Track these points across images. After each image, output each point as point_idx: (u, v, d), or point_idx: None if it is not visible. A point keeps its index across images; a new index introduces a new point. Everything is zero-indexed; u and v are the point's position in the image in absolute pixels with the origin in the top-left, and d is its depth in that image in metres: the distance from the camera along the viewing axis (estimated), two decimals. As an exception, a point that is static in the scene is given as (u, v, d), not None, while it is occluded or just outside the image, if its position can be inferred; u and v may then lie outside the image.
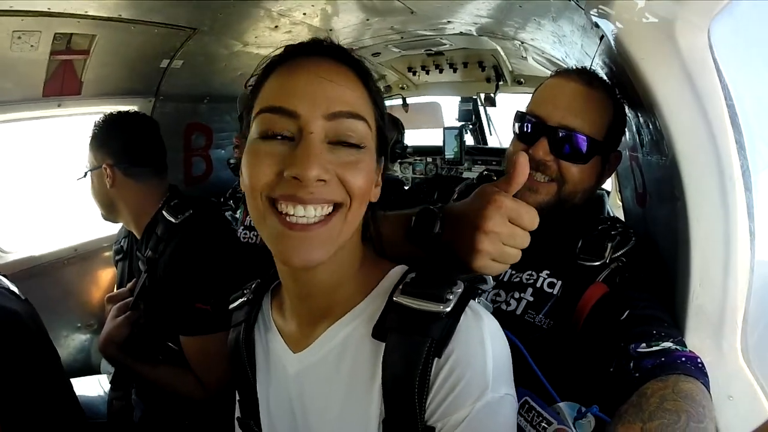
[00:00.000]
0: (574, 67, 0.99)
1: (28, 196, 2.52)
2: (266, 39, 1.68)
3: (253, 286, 0.76)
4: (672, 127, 0.74)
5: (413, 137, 3.21)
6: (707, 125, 0.71)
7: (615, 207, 1.72)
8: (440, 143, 3.11)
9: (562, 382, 0.70)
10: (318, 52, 0.58)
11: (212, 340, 1.15)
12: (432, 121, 3.41)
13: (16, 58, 1.24)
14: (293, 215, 0.53)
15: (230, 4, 1.41)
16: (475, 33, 1.89)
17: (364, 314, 0.61)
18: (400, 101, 3.07)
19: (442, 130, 3.11)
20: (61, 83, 1.40)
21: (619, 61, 0.83)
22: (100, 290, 1.82)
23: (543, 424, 0.65)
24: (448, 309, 0.55)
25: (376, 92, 0.60)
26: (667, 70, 0.73)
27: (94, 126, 1.32)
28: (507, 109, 2.99)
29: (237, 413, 0.80)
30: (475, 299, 0.59)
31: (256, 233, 1.74)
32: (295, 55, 0.58)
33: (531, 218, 0.64)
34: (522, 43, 1.83)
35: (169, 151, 1.41)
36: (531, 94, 1.00)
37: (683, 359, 0.67)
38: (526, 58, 2.04)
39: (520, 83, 2.75)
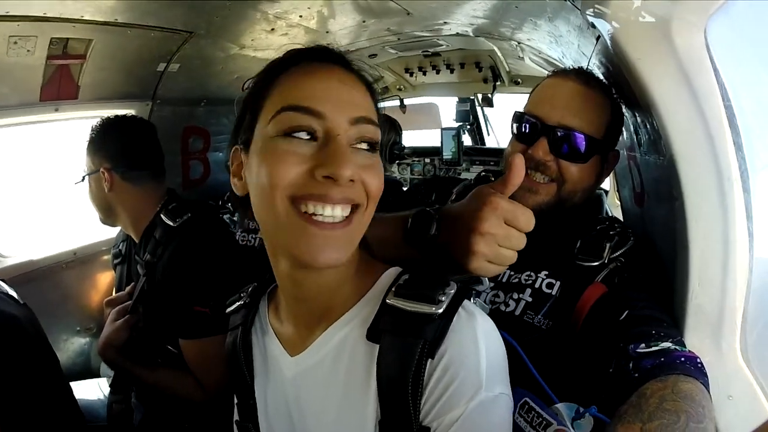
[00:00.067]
0: (571, 67, 0.99)
1: (27, 200, 2.52)
2: (263, 42, 1.68)
3: (250, 289, 0.76)
4: (669, 127, 0.74)
5: (411, 138, 3.20)
6: (705, 125, 0.71)
7: (613, 206, 1.72)
8: (438, 144, 3.10)
9: (562, 383, 0.70)
10: (330, 59, 0.60)
11: (211, 342, 1.15)
12: (429, 122, 3.40)
13: (12, 63, 1.24)
14: (321, 214, 0.54)
15: (226, 7, 1.41)
16: (471, 34, 1.89)
17: (359, 317, 0.61)
18: (397, 102, 3.06)
19: (439, 130, 3.10)
20: (58, 88, 1.40)
21: (616, 60, 0.82)
22: (99, 294, 1.81)
23: (543, 424, 0.65)
24: (441, 310, 0.55)
25: (378, 100, 0.63)
26: (663, 70, 0.73)
27: (92, 130, 1.33)
28: (504, 110, 2.99)
29: (236, 416, 0.80)
30: (469, 299, 0.60)
31: (254, 236, 1.74)
32: (308, 59, 0.59)
33: (527, 220, 0.64)
34: (519, 43, 1.83)
35: (166, 154, 1.41)
36: (528, 95, 1.00)
37: (682, 359, 0.67)
38: (523, 58, 2.03)
39: (517, 83, 2.75)
